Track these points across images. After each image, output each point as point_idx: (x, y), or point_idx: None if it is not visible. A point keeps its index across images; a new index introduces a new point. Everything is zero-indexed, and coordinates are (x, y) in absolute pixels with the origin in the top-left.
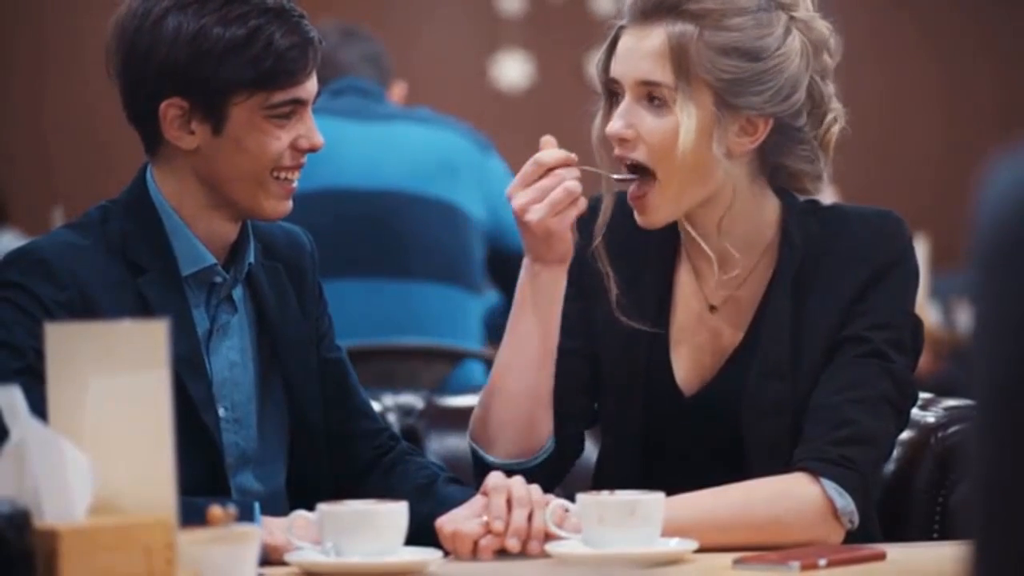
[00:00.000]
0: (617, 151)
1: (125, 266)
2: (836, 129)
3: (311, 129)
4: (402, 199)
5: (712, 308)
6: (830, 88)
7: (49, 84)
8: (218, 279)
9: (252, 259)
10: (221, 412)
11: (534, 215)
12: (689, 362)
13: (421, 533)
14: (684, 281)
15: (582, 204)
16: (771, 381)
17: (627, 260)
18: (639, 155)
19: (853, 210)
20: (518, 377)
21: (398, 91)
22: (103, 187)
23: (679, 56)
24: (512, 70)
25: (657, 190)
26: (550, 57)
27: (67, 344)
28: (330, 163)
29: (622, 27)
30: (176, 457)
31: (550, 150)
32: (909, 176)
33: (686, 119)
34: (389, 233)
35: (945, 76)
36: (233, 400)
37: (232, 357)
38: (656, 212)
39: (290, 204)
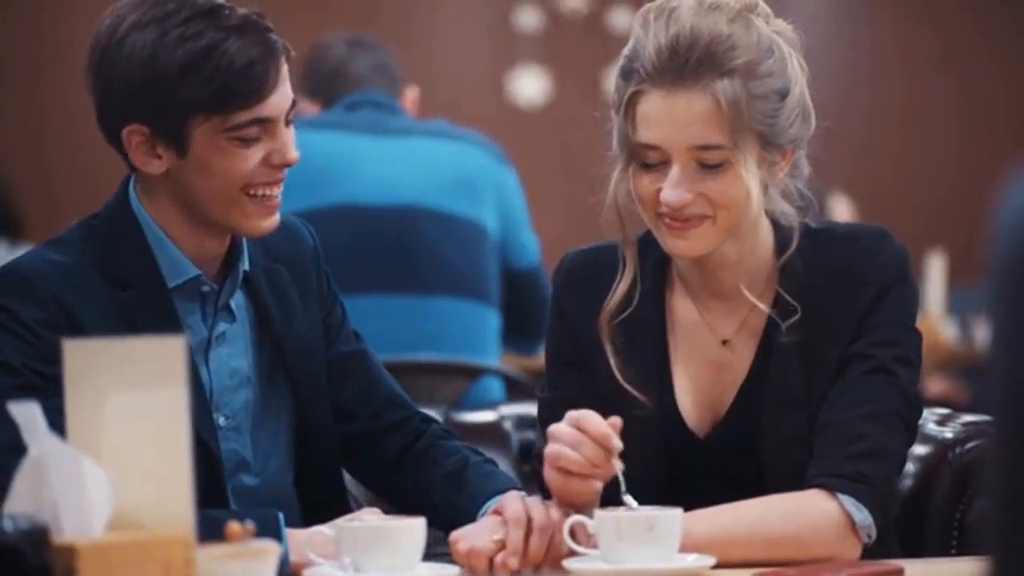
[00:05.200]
0: (673, 215)
1: (108, 282)
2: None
3: (285, 144)
4: (420, 215)
5: (724, 342)
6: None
7: (48, 95)
8: (205, 288)
9: (247, 267)
10: (221, 421)
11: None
12: (696, 402)
13: (456, 524)
14: (687, 320)
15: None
16: (787, 410)
17: (621, 321)
18: (697, 209)
19: (843, 228)
20: None
21: (411, 96)
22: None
23: (735, 114)
24: (529, 85)
25: (712, 227)
26: (567, 72)
27: (85, 360)
28: (347, 179)
29: (638, 92)
30: None
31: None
32: (927, 191)
33: (751, 177)
34: (407, 249)
35: (964, 92)
36: (233, 408)
37: (232, 365)
38: (704, 245)
39: (275, 220)
